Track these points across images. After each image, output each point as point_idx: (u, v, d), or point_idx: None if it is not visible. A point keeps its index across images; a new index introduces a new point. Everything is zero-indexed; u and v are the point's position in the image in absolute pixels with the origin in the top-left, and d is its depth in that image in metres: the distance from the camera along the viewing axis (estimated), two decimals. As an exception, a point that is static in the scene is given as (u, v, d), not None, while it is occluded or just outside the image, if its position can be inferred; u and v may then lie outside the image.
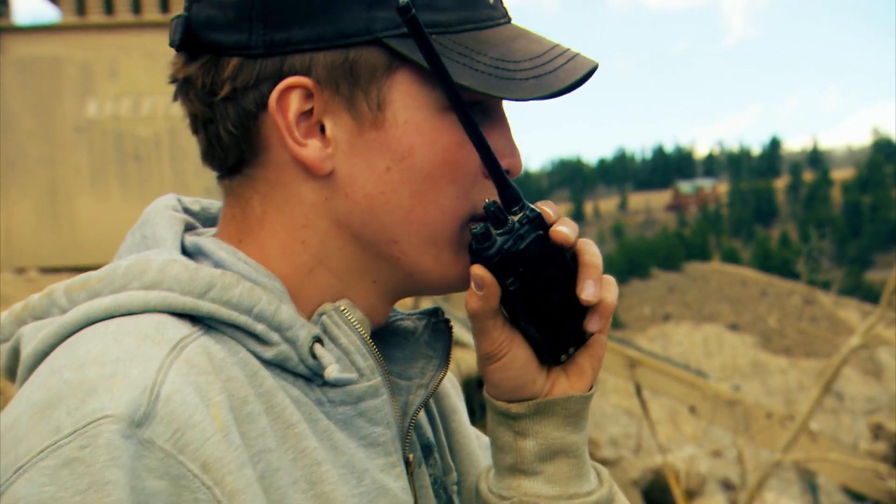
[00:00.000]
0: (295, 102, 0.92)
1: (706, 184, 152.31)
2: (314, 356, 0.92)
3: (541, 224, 0.94)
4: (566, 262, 0.96)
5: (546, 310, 0.96)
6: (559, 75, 0.94)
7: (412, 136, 0.93)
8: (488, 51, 0.93)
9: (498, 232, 0.93)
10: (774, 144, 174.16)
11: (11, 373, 0.95)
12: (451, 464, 1.13)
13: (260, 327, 0.90)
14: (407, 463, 1.01)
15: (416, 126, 0.93)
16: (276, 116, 0.92)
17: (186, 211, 1.05)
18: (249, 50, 0.91)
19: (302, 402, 0.92)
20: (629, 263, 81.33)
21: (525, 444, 1.00)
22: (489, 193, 0.96)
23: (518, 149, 1.00)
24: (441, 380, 1.04)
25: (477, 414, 1.24)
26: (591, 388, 1.02)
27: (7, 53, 17.07)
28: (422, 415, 1.11)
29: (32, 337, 0.90)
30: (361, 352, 0.95)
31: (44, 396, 0.80)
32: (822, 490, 18.62)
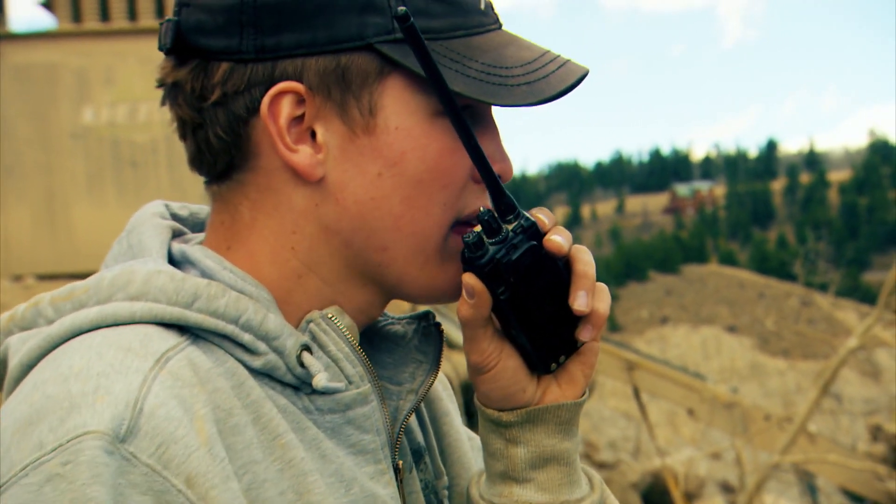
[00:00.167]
0: (286, 108, 0.91)
1: (703, 186, 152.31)
2: (302, 365, 0.92)
3: (535, 234, 0.94)
4: (559, 271, 0.96)
5: (537, 319, 0.96)
6: (550, 81, 0.94)
7: (404, 141, 0.93)
8: (480, 57, 0.93)
9: (491, 241, 0.93)
10: (771, 146, 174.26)
11: (0, 381, 0.95)
12: (442, 468, 1.13)
13: (247, 337, 0.90)
14: (396, 469, 1.01)
15: (407, 132, 0.93)
16: (268, 122, 0.91)
17: (174, 217, 1.05)
18: (240, 55, 0.91)
19: (290, 412, 0.92)
20: (626, 266, 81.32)
21: (516, 451, 1.00)
22: (476, 198, 0.97)
23: (508, 154, 1.00)
24: (431, 384, 1.04)
25: (475, 417, 1.24)
26: (582, 396, 1.02)
27: (3, 60, 17.06)
28: (412, 419, 1.11)
29: (19, 348, 0.90)
30: (350, 359, 0.94)
31: (27, 412, 0.80)
32: (821, 491, 18.62)
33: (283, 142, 0.92)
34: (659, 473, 14.32)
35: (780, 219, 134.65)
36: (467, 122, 0.90)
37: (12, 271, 16.01)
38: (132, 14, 17.44)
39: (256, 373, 0.91)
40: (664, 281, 74.37)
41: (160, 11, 17.16)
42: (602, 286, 0.99)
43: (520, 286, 0.94)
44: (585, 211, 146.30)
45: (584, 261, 0.97)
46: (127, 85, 16.69)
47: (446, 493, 1.12)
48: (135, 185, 16.98)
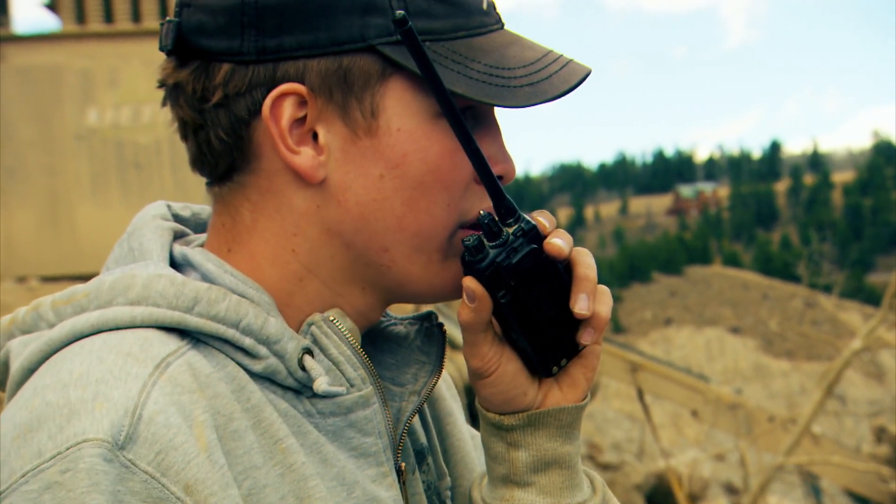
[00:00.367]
0: (288, 109, 0.91)
1: (707, 187, 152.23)
2: (303, 368, 0.92)
3: (535, 237, 0.94)
4: (560, 274, 0.96)
5: (538, 322, 0.96)
6: (553, 82, 0.94)
7: (405, 143, 0.92)
8: (482, 58, 0.93)
9: (491, 244, 0.93)
10: (775, 147, 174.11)
11: (1, 385, 0.95)
12: (445, 469, 1.13)
13: (248, 341, 0.90)
14: (399, 472, 1.00)
15: (409, 133, 0.92)
16: (270, 124, 0.91)
17: (176, 217, 1.05)
18: (241, 56, 0.91)
19: (290, 415, 0.92)
20: (630, 268, 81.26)
21: (517, 455, 1.00)
22: (480, 200, 0.96)
23: (510, 154, 1.00)
24: (434, 385, 1.04)
25: (478, 419, 1.24)
26: (584, 399, 1.02)
27: (7, 62, 17.09)
28: (415, 420, 1.11)
29: (20, 352, 0.90)
30: (352, 362, 0.94)
31: (26, 418, 0.80)
32: (826, 493, 18.59)
33: (284, 144, 0.92)
34: (663, 475, 14.31)
35: (784, 220, 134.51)
36: (467, 125, 0.90)
37: (16, 273, 16.03)
38: (136, 16, 17.46)
39: (257, 377, 0.91)
40: (668, 282, 74.30)
41: (164, 13, 17.16)
42: (603, 289, 0.99)
43: (520, 290, 0.94)
44: (589, 212, 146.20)
45: (586, 263, 0.97)
46: (131, 86, 16.71)
47: (449, 493, 1.12)
48: (138, 186, 16.99)
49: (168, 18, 0.95)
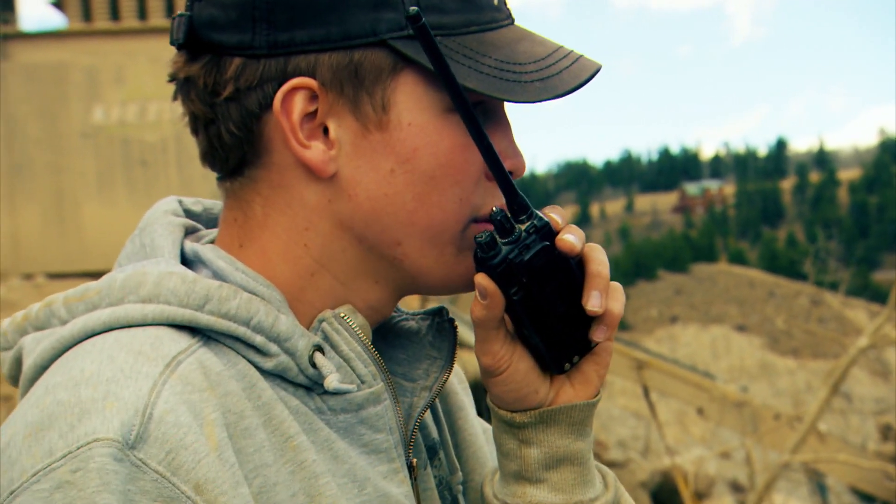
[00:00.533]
0: (299, 104, 0.91)
1: (712, 185, 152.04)
2: (314, 365, 0.92)
3: (548, 233, 0.93)
4: (572, 270, 0.95)
5: (550, 319, 0.96)
6: (564, 78, 0.93)
7: (416, 137, 0.92)
8: (493, 53, 0.93)
9: (503, 241, 0.92)
10: (780, 145, 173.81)
11: (16, 381, 0.95)
12: (457, 463, 1.13)
13: (258, 339, 0.90)
14: (411, 467, 1.00)
15: (420, 128, 0.92)
16: (281, 118, 0.91)
17: (188, 213, 1.05)
18: (252, 50, 0.91)
19: (301, 412, 0.92)
20: (636, 265, 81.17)
21: (529, 452, 1.00)
22: (491, 195, 0.96)
23: (520, 150, 1.00)
24: (445, 381, 1.03)
25: (485, 416, 1.24)
26: (596, 396, 1.01)
27: (13, 60, 17.12)
28: (427, 414, 1.11)
29: (32, 349, 0.91)
30: (363, 358, 0.94)
31: (38, 416, 0.80)
32: (831, 491, 18.57)
33: (295, 138, 0.92)
34: (668, 472, 14.29)
35: (790, 218, 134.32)
36: (479, 121, 0.90)
37: (23, 270, 16.07)
38: (142, 13, 17.48)
39: (268, 374, 0.91)
40: (674, 280, 74.22)
41: (170, 10, 17.18)
42: (616, 286, 0.98)
43: (533, 286, 0.93)
44: (594, 210, 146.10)
45: (598, 260, 0.96)
46: (137, 84, 16.73)
47: (461, 488, 1.11)
48: (145, 183, 17.02)
49: (179, 12, 0.95)
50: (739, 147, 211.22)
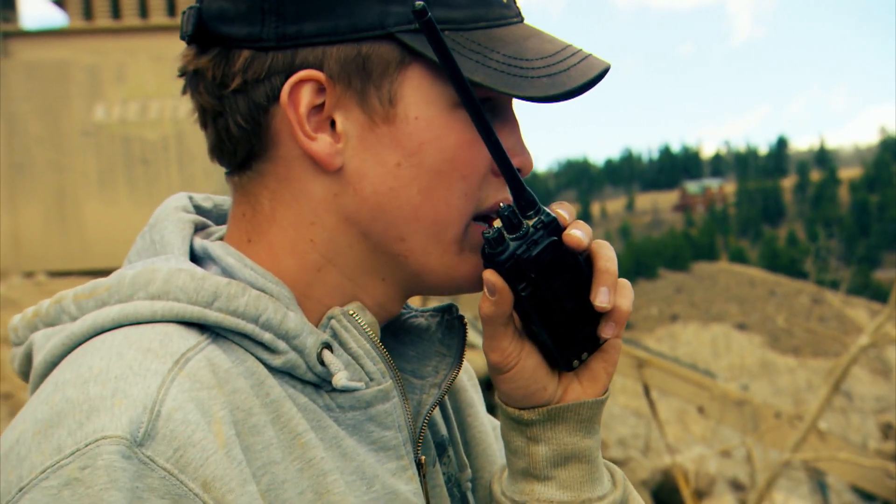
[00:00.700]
0: (307, 96, 0.91)
1: (713, 184, 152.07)
2: (322, 363, 0.92)
3: (556, 229, 0.93)
4: (580, 266, 0.95)
5: (559, 316, 0.95)
6: (572, 75, 0.93)
7: (423, 131, 0.92)
8: (501, 48, 0.93)
9: (511, 237, 0.92)
10: (781, 144, 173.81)
11: (26, 376, 0.95)
12: (466, 460, 1.12)
13: (267, 336, 0.90)
14: (419, 465, 1.00)
15: (427, 122, 0.92)
16: (288, 110, 0.91)
17: (198, 209, 1.05)
18: (261, 42, 0.91)
19: (310, 410, 0.91)
20: (636, 264, 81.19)
21: (537, 449, 0.99)
22: (496, 191, 0.96)
23: (528, 147, 0.99)
24: (455, 378, 1.03)
25: (493, 411, 1.24)
26: (604, 393, 1.01)
27: (14, 58, 17.12)
28: (436, 411, 1.11)
29: (43, 345, 0.91)
30: (371, 355, 0.94)
31: (47, 414, 0.80)
32: (832, 489, 18.57)
33: (302, 130, 0.92)
34: (669, 471, 14.30)
35: (791, 216, 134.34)
36: (487, 117, 0.89)
37: (24, 268, 16.08)
38: (143, 11, 17.48)
39: (276, 371, 0.91)
40: (674, 278, 74.21)
41: (171, 9, 17.19)
42: (624, 282, 0.98)
43: (541, 282, 0.93)
44: (595, 208, 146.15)
45: (606, 256, 0.96)
46: (138, 82, 16.73)
47: (469, 485, 1.11)
48: (145, 182, 17.02)
49: (190, 6, 0.95)
50: (740, 146, 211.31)
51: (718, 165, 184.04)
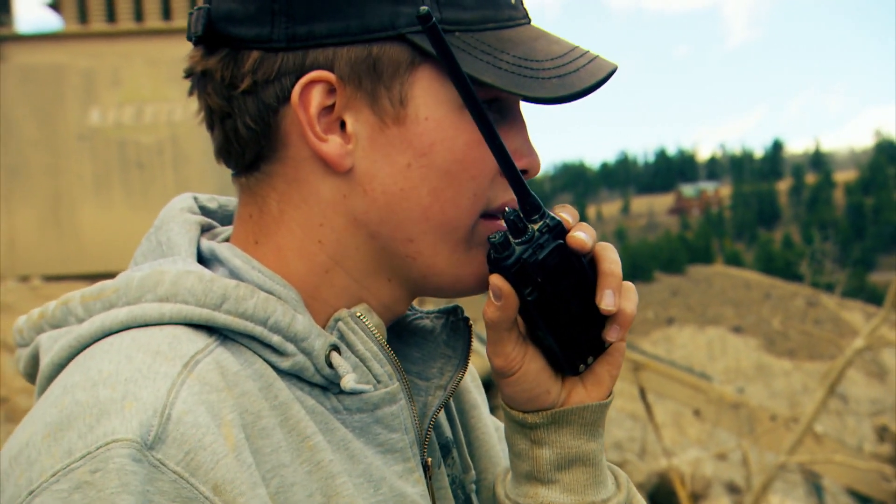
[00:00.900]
0: (317, 97, 0.91)
1: (709, 187, 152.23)
2: (331, 365, 0.92)
3: (560, 233, 0.93)
4: (584, 269, 0.95)
5: (565, 320, 0.95)
6: (581, 76, 0.93)
7: (433, 132, 0.92)
8: (511, 49, 0.93)
9: (517, 241, 0.92)
10: (777, 147, 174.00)
11: (32, 378, 0.95)
12: (470, 462, 1.12)
13: (275, 338, 0.89)
14: (426, 467, 1.00)
15: (437, 122, 0.92)
16: (298, 111, 0.91)
17: (203, 210, 1.05)
18: (271, 43, 0.91)
19: (317, 412, 0.91)
20: (632, 267, 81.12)
21: (541, 452, 0.99)
22: (504, 191, 0.96)
23: (535, 148, 0.99)
24: (460, 380, 1.03)
25: (494, 412, 1.23)
26: (608, 396, 1.01)
27: (9, 61, 17.09)
28: (441, 413, 1.10)
29: (50, 347, 0.90)
30: (378, 358, 0.94)
31: (56, 417, 0.80)
32: (828, 492, 18.57)
33: (312, 131, 0.91)
34: (665, 474, 14.31)
35: (786, 219, 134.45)
36: (492, 122, 0.89)
37: (19, 272, 16.04)
38: (139, 15, 17.45)
39: (284, 374, 0.91)
40: (670, 282, 74.21)
41: (167, 13, 17.17)
42: (629, 285, 0.98)
43: (547, 286, 0.93)
44: (591, 211, 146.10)
45: (610, 259, 0.96)
46: (133, 86, 16.70)
47: (474, 487, 1.11)
48: (141, 186, 16.99)
49: (198, 6, 0.95)
50: (736, 148, 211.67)
51: (714, 168, 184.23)
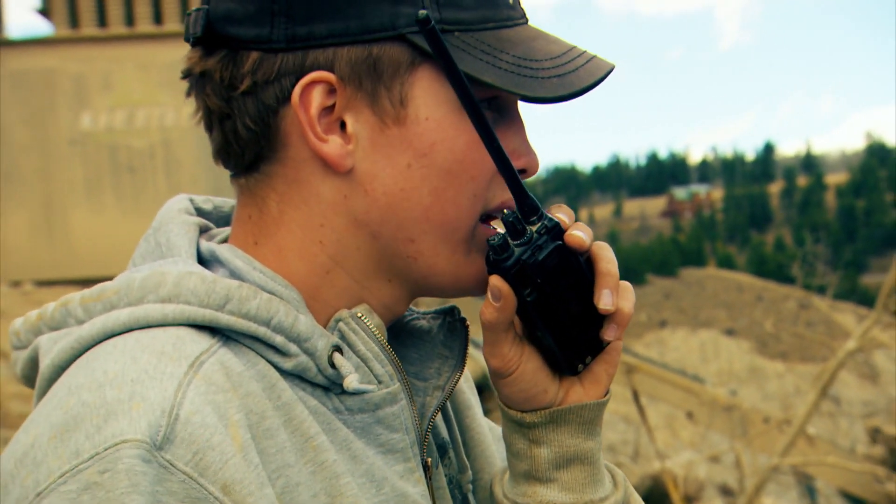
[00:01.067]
0: (317, 98, 0.91)
1: (701, 189, 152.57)
2: (333, 366, 0.92)
3: (558, 234, 0.93)
4: (582, 269, 0.95)
5: (563, 320, 0.96)
6: (580, 75, 0.93)
7: (434, 132, 0.92)
8: (510, 49, 0.93)
9: (516, 243, 0.92)
10: (768, 149, 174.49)
11: (29, 380, 0.95)
12: (466, 462, 1.12)
13: (278, 339, 0.89)
14: (425, 467, 1.00)
15: (437, 123, 0.92)
16: (298, 111, 0.91)
17: (199, 211, 1.04)
18: (270, 44, 0.90)
19: (320, 412, 0.92)
20: (625, 270, 79.60)
21: (539, 451, 1.00)
22: (503, 190, 0.96)
23: (533, 148, 0.99)
24: (458, 380, 1.03)
25: (489, 415, 1.24)
26: (605, 395, 1.02)
27: (0, 67, 17.06)
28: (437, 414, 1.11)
29: (49, 348, 0.90)
30: (379, 358, 0.94)
31: (62, 418, 0.80)
32: (821, 494, 18.61)
33: (313, 132, 0.91)
34: (658, 476, 14.31)
35: (778, 222, 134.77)
36: (488, 121, 0.90)
37: (10, 277, 16.00)
38: (130, 20, 17.43)
39: (286, 374, 0.91)
40: (662, 284, 74.30)
41: (158, 17, 17.16)
42: (626, 285, 0.98)
43: (546, 287, 0.93)
44: (583, 215, 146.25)
45: (607, 258, 0.97)
46: (125, 90, 16.68)
47: (470, 487, 1.11)
48: (132, 190, 16.97)
49: (196, 7, 0.95)
50: (727, 151, 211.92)
51: (706, 171, 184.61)
